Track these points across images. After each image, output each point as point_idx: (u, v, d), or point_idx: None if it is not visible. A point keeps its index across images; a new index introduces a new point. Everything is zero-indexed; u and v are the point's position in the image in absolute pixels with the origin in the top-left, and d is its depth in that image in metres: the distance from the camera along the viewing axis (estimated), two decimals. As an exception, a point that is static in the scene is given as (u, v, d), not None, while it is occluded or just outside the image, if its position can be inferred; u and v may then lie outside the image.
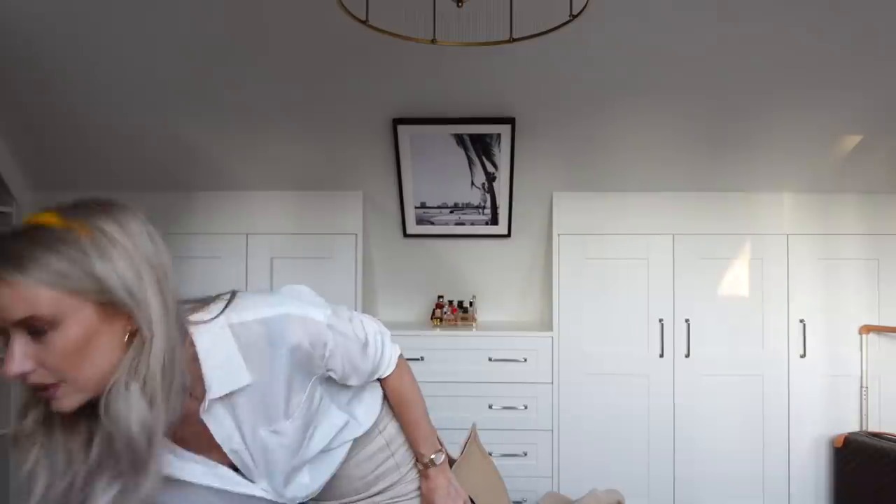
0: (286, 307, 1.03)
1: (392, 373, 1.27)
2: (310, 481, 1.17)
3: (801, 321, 3.02)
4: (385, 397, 1.33)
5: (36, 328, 0.81)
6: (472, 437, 1.54)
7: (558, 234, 3.10)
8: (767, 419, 3.02)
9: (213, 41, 2.39)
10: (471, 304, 3.32)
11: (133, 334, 0.87)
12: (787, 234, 3.06)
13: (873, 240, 3.05)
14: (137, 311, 0.87)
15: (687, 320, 3.04)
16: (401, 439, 1.33)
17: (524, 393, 3.00)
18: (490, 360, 2.98)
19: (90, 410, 0.89)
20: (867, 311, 3.04)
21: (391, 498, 1.31)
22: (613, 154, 2.95)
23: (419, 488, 1.34)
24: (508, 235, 3.23)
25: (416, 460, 1.33)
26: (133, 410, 0.85)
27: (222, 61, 2.49)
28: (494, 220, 3.15)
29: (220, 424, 1.01)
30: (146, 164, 3.03)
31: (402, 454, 1.33)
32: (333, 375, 1.14)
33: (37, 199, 3.14)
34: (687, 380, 3.03)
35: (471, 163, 2.96)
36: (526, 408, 2.99)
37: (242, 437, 1.03)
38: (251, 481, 1.08)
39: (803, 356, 3.02)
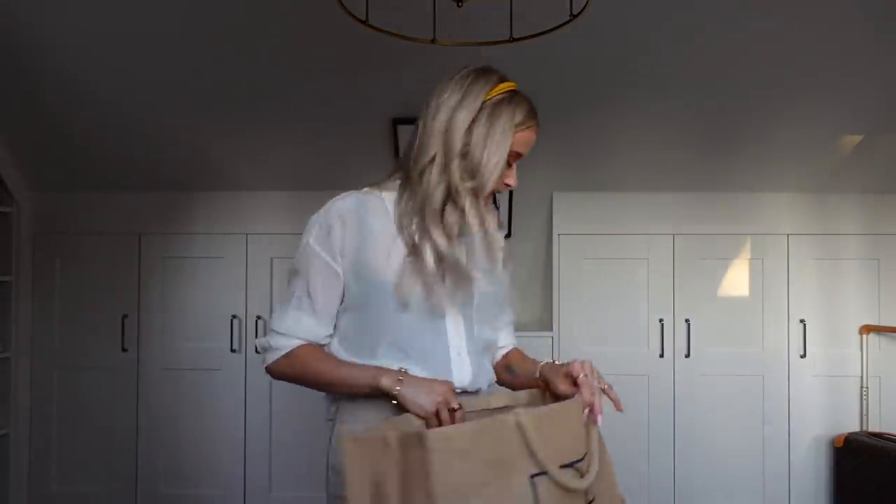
0: None
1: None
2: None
3: (801, 321, 3.02)
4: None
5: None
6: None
7: (558, 234, 3.09)
8: (767, 419, 3.02)
9: (213, 41, 2.39)
10: (471, 304, 3.32)
11: None
12: (787, 234, 3.06)
13: (873, 240, 3.05)
14: None
15: (687, 320, 3.04)
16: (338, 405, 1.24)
17: (524, 393, 3.00)
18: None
19: None
20: (867, 311, 3.04)
21: None
22: (613, 154, 2.95)
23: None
24: (508, 235, 3.22)
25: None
26: None
27: (222, 61, 2.49)
28: (494, 220, 3.15)
29: None
30: (146, 164, 3.03)
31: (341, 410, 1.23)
32: None
33: (37, 199, 3.14)
34: (687, 380, 3.03)
35: (471, 163, 2.96)
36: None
37: None
38: None
39: (803, 356, 3.02)
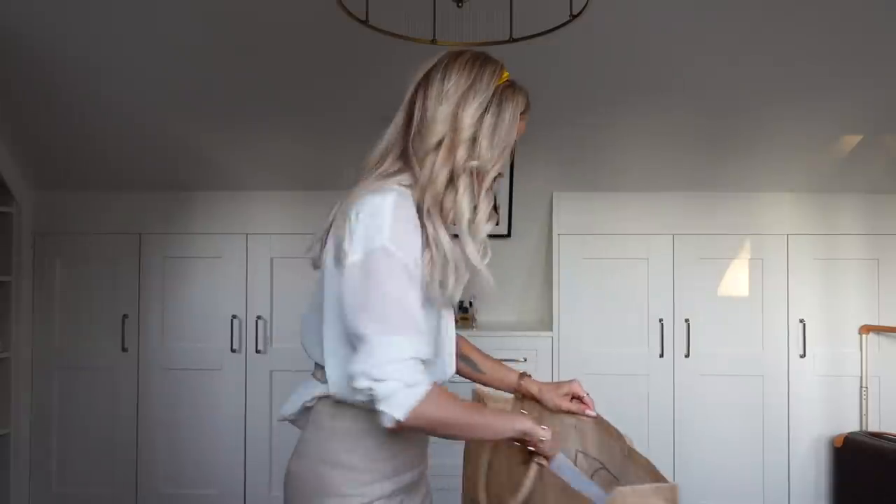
0: None
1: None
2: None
3: (801, 321, 3.02)
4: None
5: None
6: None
7: (558, 234, 3.09)
8: (767, 419, 3.02)
9: (212, 41, 2.39)
10: (471, 304, 3.32)
11: None
12: (787, 234, 3.06)
13: (873, 240, 3.05)
14: None
15: (687, 320, 3.04)
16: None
17: (524, 393, 3.00)
18: (490, 360, 2.98)
19: None
20: (867, 311, 3.04)
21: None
22: (613, 154, 2.95)
23: None
24: (508, 235, 3.23)
25: None
26: None
27: (222, 61, 2.49)
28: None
29: None
30: (146, 164, 3.03)
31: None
32: None
33: (37, 199, 3.14)
34: (687, 380, 3.03)
35: (471, 163, 2.96)
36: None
37: None
38: None
39: (803, 356, 3.02)
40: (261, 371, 3.08)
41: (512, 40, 1.76)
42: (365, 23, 1.71)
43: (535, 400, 1.39)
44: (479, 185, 1.13)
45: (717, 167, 2.97)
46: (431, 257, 1.07)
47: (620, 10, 2.19)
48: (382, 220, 1.03)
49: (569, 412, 1.36)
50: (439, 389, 1.04)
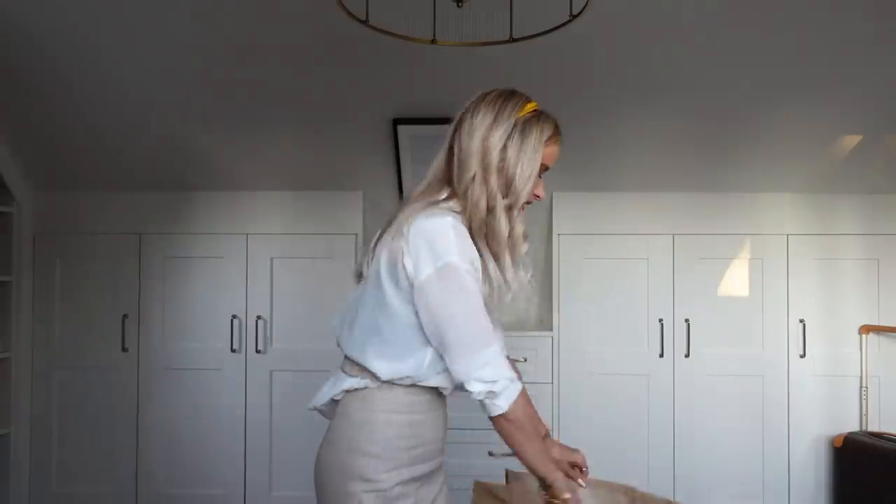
0: None
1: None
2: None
3: (801, 321, 3.02)
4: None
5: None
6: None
7: (558, 234, 3.10)
8: (767, 419, 3.02)
9: (213, 41, 2.40)
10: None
11: None
12: (787, 234, 3.06)
13: (873, 240, 3.05)
14: None
15: (687, 320, 3.04)
16: None
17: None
18: (490, 360, 2.98)
19: None
20: (867, 311, 3.04)
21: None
22: (613, 154, 2.95)
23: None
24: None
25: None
26: None
27: (222, 61, 2.49)
28: (494, 220, 3.15)
29: None
30: (146, 164, 3.03)
31: None
32: None
33: (37, 199, 3.14)
34: (687, 380, 3.03)
35: (471, 163, 2.96)
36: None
37: None
38: None
39: (803, 356, 3.02)
40: (261, 371, 3.08)
41: (512, 40, 1.76)
42: (365, 23, 1.71)
43: None
44: (513, 210, 1.26)
45: (718, 167, 2.97)
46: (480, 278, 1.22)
47: (620, 11, 2.19)
48: (448, 239, 1.18)
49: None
50: (524, 388, 1.21)
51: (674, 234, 3.07)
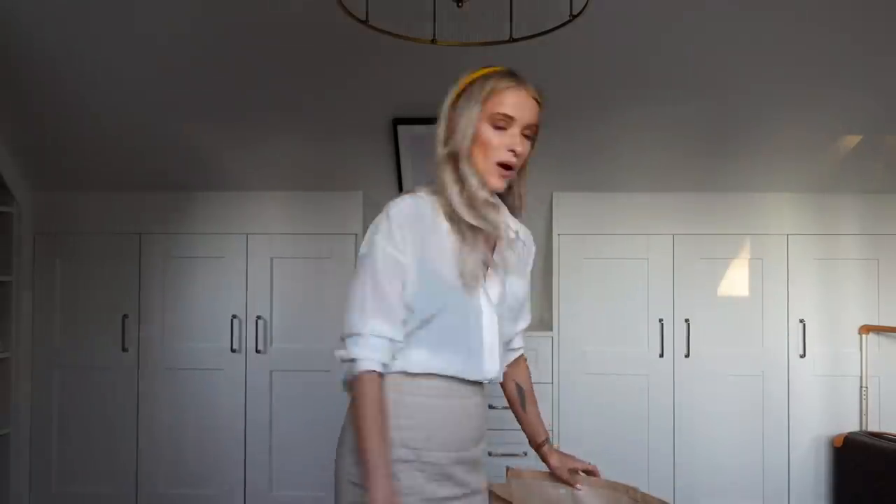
0: None
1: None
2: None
3: (801, 321, 3.02)
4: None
5: (529, 133, 1.29)
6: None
7: (558, 234, 3.09)
8: (767, 419, 3.02)
9: (213, 42, 2.40)
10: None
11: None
12: (787, 234, 3.06)
13: (873, 240, 3.05)
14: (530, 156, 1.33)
15: (687, 320, 3.04)
16: None
17: (524, 393, 3.00)
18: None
19: None
20: (867, 311, 3.04)
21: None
22: (613, 154, 2.95)
23: None
24: (508, 235, 3.22)
25: None
26: None
27: (222, 61, 2.49)
28: (494, 220, 3.15)
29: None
30: (146, 164, 3.03)
31: None
32: None
33: (37, 199, 3.14)
34: (687, 380, 3.03)
35: (471, 163, 2.96)
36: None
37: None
38: None
39: (803, 356, 3.02)
40: (261, 371, 3.08)
41: (512, 40, 1.76)
42: (365, 23, 1.71)
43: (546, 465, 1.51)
44: (460, 162, 1.27)
45: (718, 167, 2.97)
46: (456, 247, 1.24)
47: (620, 11, 2.19)
48: (382, 218, 1.26)
49: (563, 481, 1.48)
50: (376, 379, 1.19)
51: (674, 234, 3.07)
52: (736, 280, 3.06)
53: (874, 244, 3.05)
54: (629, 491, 1.40)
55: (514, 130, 1.26)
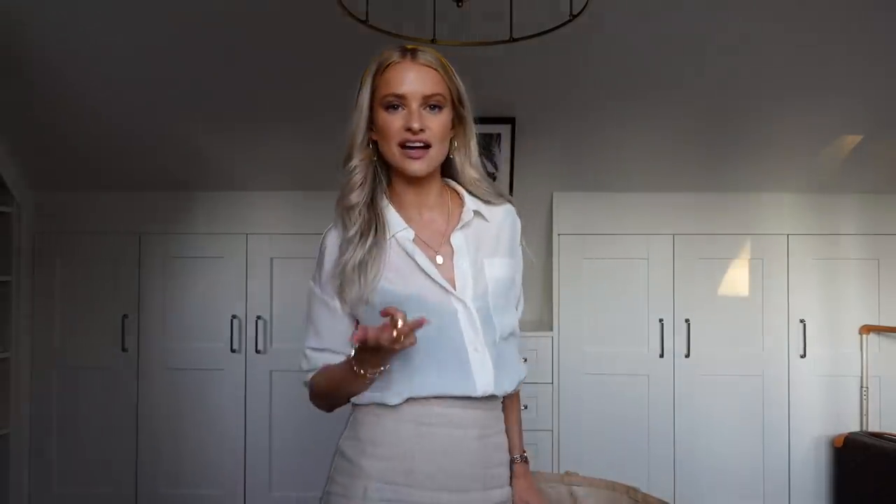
0: None
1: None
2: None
3: (801, 321, 3.02)
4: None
5: (434, 104, 1.19)
6: None
7: (558, 234, 3.09)
8: (767, 419, 3.02)
9: (213, 42, 2.40)
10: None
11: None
12: (787, 234, 3.06)
13: (873, 240, 3.05)
14: (465, 125, 1.24)
15: (687, 320, 3.04)
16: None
17: (524, 393, 2.95)
18: (490, 360, 2.98)
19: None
20: (867, 311, 3.04)
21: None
22: (613, 154, 2.95)
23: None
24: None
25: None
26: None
27: (222, 61, 2.49)
28: (494, 220, 3.15)
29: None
30: (146, 164, 3.03)
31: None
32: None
33: (37, 199, 3.14)
34: (687, 380, 3.03)
35: (471, 163, 2.96)
36: (526, 408, 2.99)
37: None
38: None
39: (803, 356, 3.02)
40: (261, 371, 3.08)
41: (512, 40, 1.76)
42: (365, 22, 1.71)
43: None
44: (353, 148, 1.34)
45: (718, 167, 2.97)
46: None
47: (620, 11, 2.19)
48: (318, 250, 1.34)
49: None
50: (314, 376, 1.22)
51: (674, 234, 3.07)
52: (736, 280, 3.06)
53: (874, 244, 3.05)
54: (629, 491, 1.40)
55: (412, 107, 1.17)
